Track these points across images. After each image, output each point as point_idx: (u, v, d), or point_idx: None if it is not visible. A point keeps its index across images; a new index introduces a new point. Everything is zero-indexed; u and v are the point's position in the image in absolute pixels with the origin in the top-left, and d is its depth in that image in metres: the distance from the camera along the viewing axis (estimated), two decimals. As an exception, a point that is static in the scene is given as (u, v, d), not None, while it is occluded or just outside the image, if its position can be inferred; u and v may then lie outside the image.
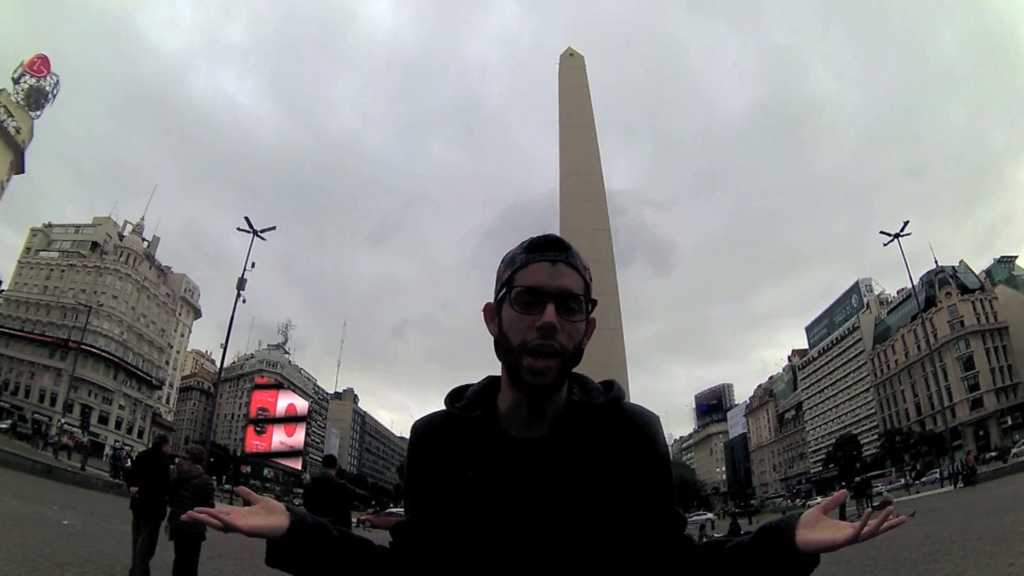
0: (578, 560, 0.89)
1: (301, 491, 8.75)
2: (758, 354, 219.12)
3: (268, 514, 0.90)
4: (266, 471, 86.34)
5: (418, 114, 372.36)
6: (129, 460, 39.07)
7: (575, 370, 1.00)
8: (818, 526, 0.82)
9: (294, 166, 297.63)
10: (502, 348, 0.94)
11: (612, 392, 1.00)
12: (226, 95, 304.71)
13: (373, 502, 63.91)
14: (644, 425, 0.98)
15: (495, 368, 1.02)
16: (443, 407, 1.05)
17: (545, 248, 0.96)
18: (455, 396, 1.04)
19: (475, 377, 1.08)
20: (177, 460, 6.58)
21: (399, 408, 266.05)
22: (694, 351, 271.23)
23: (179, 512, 5.90)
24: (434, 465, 0.99)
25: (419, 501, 1.00)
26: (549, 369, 0.90)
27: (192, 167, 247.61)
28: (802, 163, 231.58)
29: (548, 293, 0.91)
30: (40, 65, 70.76)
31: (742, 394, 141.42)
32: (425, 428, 1.04)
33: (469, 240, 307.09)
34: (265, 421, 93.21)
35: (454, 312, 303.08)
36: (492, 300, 1.01)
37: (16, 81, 68.45)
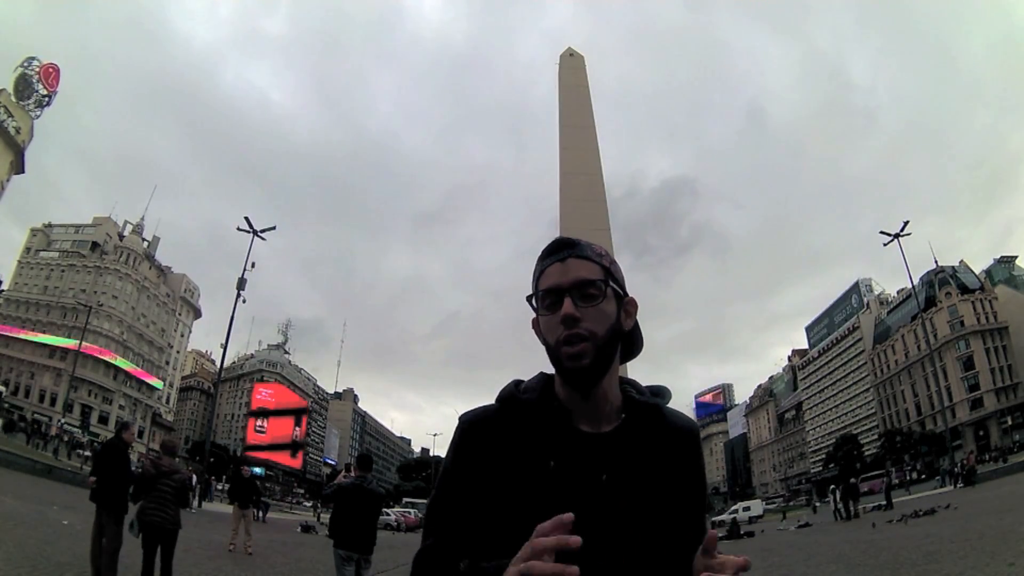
0: (643, 554, 0.91)
1: (329, 492, 7.37)
2: (773, 353, 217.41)
3: None
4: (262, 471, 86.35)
5: (462, 112, 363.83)
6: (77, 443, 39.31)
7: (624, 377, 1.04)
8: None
9: (328, 164, 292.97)
10: (548, 353, 0.99)
11: (665, 397, 1.05)
12: (258, 90, 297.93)
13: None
14: (692, 434, 1.04)
15: (516, 373, 1.06)
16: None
17: (555, 251, 1.02)
18: (514, 389, 1.04)
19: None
20: (150, 456, 6.27)
21: (414, 409, 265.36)
22: (712, 350, 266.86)
23: (157, 507, 5.66)
24: (497, 456, 0.97)
25: (475, 492, 0.96)
26: (584, 351, 0.94)
27: (217, 164, 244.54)
28: (835, 165, 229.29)
29: (563, 288, 0.97)
30: (53, 79, 70.75)
31: (743, 394, 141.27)
32: (479, 419, 1.02)
33: (504, 241, 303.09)
34: (266, 413, 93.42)
35: (476, 314, 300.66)
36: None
37: (14, 70, 68.25)
